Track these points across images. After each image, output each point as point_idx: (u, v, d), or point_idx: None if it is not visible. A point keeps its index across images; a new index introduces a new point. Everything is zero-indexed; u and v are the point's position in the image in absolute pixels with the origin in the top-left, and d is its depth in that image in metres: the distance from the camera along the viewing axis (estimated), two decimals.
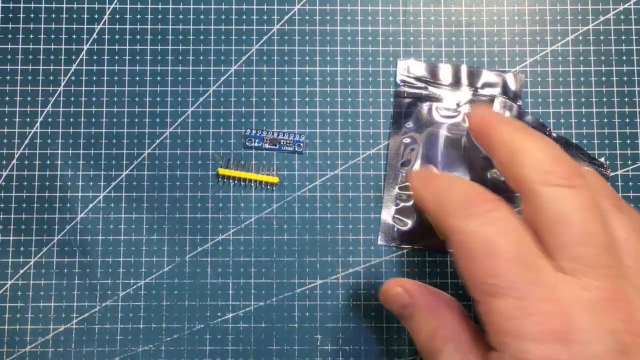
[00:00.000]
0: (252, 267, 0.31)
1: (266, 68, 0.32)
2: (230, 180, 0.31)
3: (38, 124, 0.31)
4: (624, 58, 0.32)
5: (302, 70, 0.32)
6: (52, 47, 0.32)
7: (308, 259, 0.31)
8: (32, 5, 0.32)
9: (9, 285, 0.30)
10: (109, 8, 0.32)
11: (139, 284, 0.30)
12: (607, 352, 0.18)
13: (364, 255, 0.31)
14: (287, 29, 0.32)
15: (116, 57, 0.32)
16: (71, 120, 0.31)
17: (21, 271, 0.30)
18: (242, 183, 0.31)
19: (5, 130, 0.31)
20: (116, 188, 0.31)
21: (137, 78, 0.32)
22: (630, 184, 0.31)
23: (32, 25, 0.32)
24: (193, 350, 0.30)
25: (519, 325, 0.19)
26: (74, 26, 0.32)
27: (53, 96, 0.31)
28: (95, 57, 0.32)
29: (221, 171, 0.31)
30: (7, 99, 0.31)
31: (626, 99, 0.31)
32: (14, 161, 0.31)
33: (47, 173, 0.31)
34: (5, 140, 0.31)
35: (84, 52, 0.32)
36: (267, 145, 0.31)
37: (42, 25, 0.32)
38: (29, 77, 0.31)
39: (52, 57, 0.32)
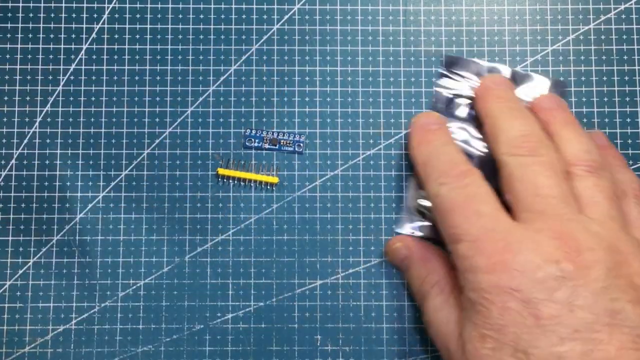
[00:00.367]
0: (252, 267, 0.30)
1: (266, 68, 0.32)
2: (230, 181, 0.31)
3: (37, 123, 0.31)
4: (625, 58, 0.31)
5: (302, 70, 0.32)
6: (51, 46, 0.32)
7: (308, 259, 0.30)
8: (31, 5, 0.32)
9: (8, 286, 0.30)
10: (108, 7, 0.32)
11: (138, 285, 0.30)
12: (547, 277, 0.21)
13: (364, 255, 0.31)
14: (287, 29, 0.32)
15: (115, 57, 0.32)
16: (70, 120, 0.31)
17: (20, 271, 0.30)
18: (242, 183, 0.31)
19: (4, 130, 0.31)
20: (115, 188, 0.31)
21: (137, 78, 0.31)
22: None
23: (31, 25, 0.32)
24: (192, 351, 0.30)
25: (473, 262, 0.23)
26: (73, 25, 0.32)
27: (52, 96, 0.31)
28: (94, 57, 0.32)
29: (221, 171, 0.31)
30: (5, 98, 0.31)
31: (627, 99, 0.31)
32: (13, 161, 0.31)
33: (46, 173, 0.31)
34: (4, 140, 0.31)
35: (83, 52, 0.32)
36: (267, 145, 0.31)
37: (41, 25, 0.32)
38: (28, 77, 0.31)
39: (51, 56, 0.31)
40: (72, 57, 0.32)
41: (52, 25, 0.32)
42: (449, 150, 0.27)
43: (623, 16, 0.32)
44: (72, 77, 0.31)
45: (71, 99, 0.31)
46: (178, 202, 0.31)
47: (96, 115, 0.31)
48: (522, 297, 0.21)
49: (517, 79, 0.31)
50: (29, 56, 0.32)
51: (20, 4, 0.32)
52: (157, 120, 0.31)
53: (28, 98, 0.31)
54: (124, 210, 0.31)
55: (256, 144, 0.31)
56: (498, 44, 0.32)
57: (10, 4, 0.32)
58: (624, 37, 0.32)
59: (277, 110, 0.31)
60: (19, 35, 0.32)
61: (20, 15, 0.32)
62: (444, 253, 0.28)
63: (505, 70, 0.31)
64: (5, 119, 0.31)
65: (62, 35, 0.32)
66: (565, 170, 0.25)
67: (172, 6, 0.32)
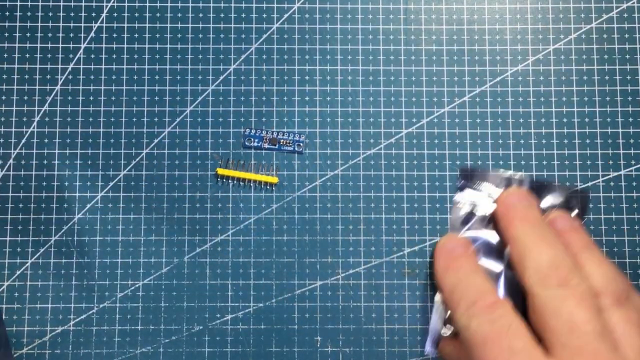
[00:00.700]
0: (252, 268, 0.30)
1: (266, 67, 0.31)
2: (230, 181, 0.31)
3: (35, 123, 0.31)
4: (628, 57, 0.31)
5: (302, 69, 0.31)
6: (49, 45, 0.31)
7: (308, 259, 0.30)
8: (29, 4, 0.32)
9: (6, 287, 0.30)
10: (106, 6, 0.32)
11: (137, 285, 0.30)
12: None
13: (364, 256, 0.30)
14: (287, 28, 0.32)
15: (114, 56, 0.31)
16: (68, 119, 0.31)
17: (18, 272, 0.30)
18: (242, 183, 0.31)
19: (2, 129, 0.31)
20: (114, 188, 0.31)
21: (135, 77, 0.31)
22: (634, 184, 0.31)
23: (29, 24, 0.31)
24: (192, 352, 0.30)
25: None
26: (72, 24, 0.32)
27: (50, 95, 0.31)
28: (92, 56, 0.31)
29: (220, 171, 0.31)
30: (3, 97, 0.31)
31: (630, 98, 0.31)
32: (11, 161, 0.31)
33: (44, 173, 0.31)
34: (1, 140, 0.31)
35: (81, 51, 0.31)
36: (266, 145, 0.31)
37: (39, 24, 0.31)
38: (26, 76, 0.31)
39: (49, 55, 0.31)
40: (71, 56, 0.31)
41: (50, 24, 0.32)
42: (476, 278, 0.26)
43: (625, 15, 0.32)
44: (70, 77, 0.31)
45: (69, 98, 0.31)
46: (177, 202, 0.31)
47: (95, 114, 0.31)
48: None
49: (536, 187, 0.30)
50: (27, 55, 0.31)
51: (18, 3, 0.32)
52: (156, 119, 0.31)
53: (26, 97, 0.31)
54: (122, 210, 0.31)
55: (256, 144, 0.31)
56: (499, 43, 0.31)
57: (8, 3, 0.32)
58: (626, 36, 0.31)
59: (276, 109, 0.31)
60: (17, 34, 0.31)
61: (18, 14, 0.32)
62: None
63: (525, 180, 0.30)
64: (3, 119, 0.31)
65: (61, 35, 0.31)
66: (595, 300, 0.24)
67: (170, 5, 0.32)
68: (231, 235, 0.30)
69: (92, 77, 0.31)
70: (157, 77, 0.31)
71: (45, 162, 0.31)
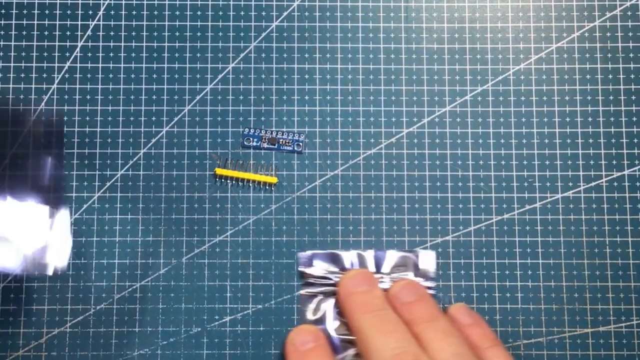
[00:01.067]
0: (251, 269, 0.30)
1: (265, 65, 0.31)
2: (228, 181, 0.30)
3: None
4: (631, 55, 0.31)
5: (301, 68, 0.31)
6: (46, 43, 0.31)
7: None
8: (25, 1, 0.31)
9: (1, 288, 0.30)
10: (103, 4, 0.31)
11: (134, 287, 0.30)
12: None
13: None
14: (287, 25, 0.31)
15: (111, 54, 0.31)
16: (65, 118, 0.31)
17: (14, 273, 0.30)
18: (240, 183, 0.30)
19: None
20: (111, 188, 0.30)
21: (133, 75, 0.31)
22: (638, 184, 0.30)
23: (25, 22, 0.31)
24: (190, 355, 0.29)
25: None
26: (68, 22, 0.31)
27: (47, 94, 0.31)
28: (89, 54, 0.31)
29: (219, 171, 0.30)
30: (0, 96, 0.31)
31: (633, 97, 0.31)
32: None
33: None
34: None
35: (78, 49, 0.31)
36: (265, 145, 0.31)
37: (36, 22, 0.31)
38: (22, 75, 0.31)
39: (45, 54, 0.31)
40: (67, 54, 0.31)
41: (46, 22, 0.31)
42: None
43: (629, 13, 0.31)
44: (67, 75, 0.31)
45: (66, 97, 0.31)
46: (175, 202, 0.30)
47: (91, 113, 0.31)
48: None
49: (381, 262, 0.29)
50: (23, 53, 0.31)
51: (14, 0, 0.31)
52: (153, 119, 0.31)
53: (22, 96, 0.31)
54: (120, 211, 0.30)
55: (255, 143, 0.31)
56: (501, 41, 0.31)
57: (3, 0, 0.31)
58: (630, 34, 0.31)
59: (276, 108, 0.31)
60: (13, 33, 0.31)
61: (14, 11, 0.31)
62: None
63: (368, 256, 0.29)
64: None
65: (57, 33, 0.31)
66: None
67: (168, 2, 0.31)
68: (230, 236, 0.30)
69: (89, 75, 0.31)
70: (154, 75, 0.31)
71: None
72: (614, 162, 0.30)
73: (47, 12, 0.31)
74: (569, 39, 0.31)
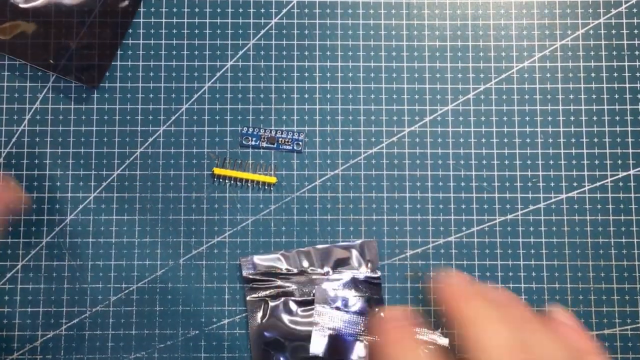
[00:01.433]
0: None
1: (264, 63, 0.31)
2: (226, 180, 0.30)
3: (26, 121, 0.30)
4: (637, 53, 0.30)
5: (301, 66, 0.31)
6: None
7: None
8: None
9: None
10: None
11: (131, 289, 0.29)
12: None
13: None
14: (286, 23, 0.31)
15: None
16: (60, 117, 0.30)
17: (8, 275, 0.29)
18: (239, 183, 0.30)
19: None
20: (107, 188, 0.30)
21: (129, 74, 0.30)
22: None
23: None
24: (187, 357, 0.29)
25: None
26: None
27: (42, 92, 0.30)
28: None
29: (217, 171, 0.30)
30: None
31: (639, 95, 0.30)
32: (1, 160, 0.30)
33: (36, 173, 0.30)
34: None
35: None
36: (264, 144, 0.30)
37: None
38: (16, 73, 0.30)
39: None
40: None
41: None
42: None
43: (634, 10, 0.31)
44: (62, 73, 0.30)
45: (61, 95, 0.30)
46: (172, 202, 0.30)
47: (87, 112, 0.30)
48: None
49: (327, 258, 0.29)
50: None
51: None
52: (150, 117, 0.30)
53: (16, 95, 0.30)
54: (116, 211, 0.30)
55: (253, 143, 0.30)
56: (505, 38, 0.31)
57: None
58: (635, 31, 0.31)
59: (275, 107, 0.30)
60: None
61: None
62: None
63: (314, 252, 0.29)
64: None
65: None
66: None
67: (165, 0, 0.31)
68: (228, 236, 0.30)
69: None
70: (151, 73, 0.30)
71: (36, 161, 0.30)
72: (619, 161, 0.30)
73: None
74: (573, 36, 0.31)
